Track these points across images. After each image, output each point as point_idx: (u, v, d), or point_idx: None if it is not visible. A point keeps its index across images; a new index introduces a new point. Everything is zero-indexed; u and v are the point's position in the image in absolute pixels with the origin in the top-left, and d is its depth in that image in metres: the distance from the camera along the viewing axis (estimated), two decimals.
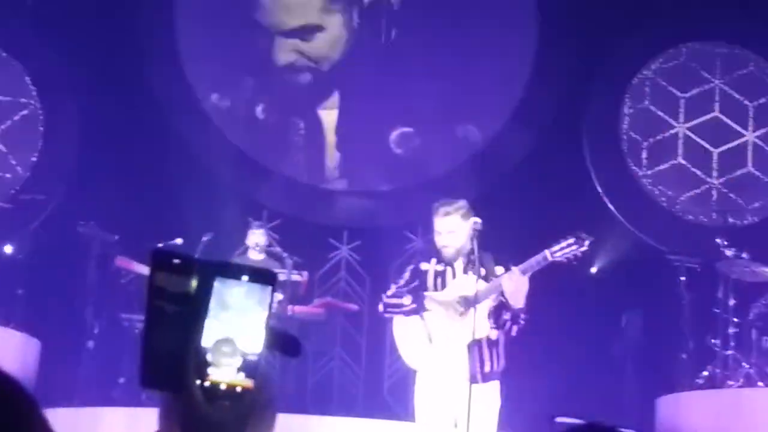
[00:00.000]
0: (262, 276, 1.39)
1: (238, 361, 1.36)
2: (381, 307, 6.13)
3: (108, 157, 9.54)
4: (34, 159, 10.11)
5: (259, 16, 10.58)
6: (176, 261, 1.38)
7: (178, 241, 8.25)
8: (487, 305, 5.83)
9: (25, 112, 10.19)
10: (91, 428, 6.57)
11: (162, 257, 1.38)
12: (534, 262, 5.77)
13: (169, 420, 1.43)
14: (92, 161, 9.65)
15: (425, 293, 5.95)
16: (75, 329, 8.67)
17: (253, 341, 1.37)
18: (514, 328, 5.91)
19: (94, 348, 8.54)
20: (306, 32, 10.56)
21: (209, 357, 1.36)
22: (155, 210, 9.22)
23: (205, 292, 1.36)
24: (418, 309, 5.93)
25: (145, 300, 1.38)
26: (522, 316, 5.86)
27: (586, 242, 5.84)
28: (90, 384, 8.48)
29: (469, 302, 5.75)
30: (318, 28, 10.58)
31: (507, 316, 5.86)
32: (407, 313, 5.96)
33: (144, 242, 8.31)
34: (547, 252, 5.79)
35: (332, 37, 10.58)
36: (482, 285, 5.80)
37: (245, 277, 1.38)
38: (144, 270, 8.29)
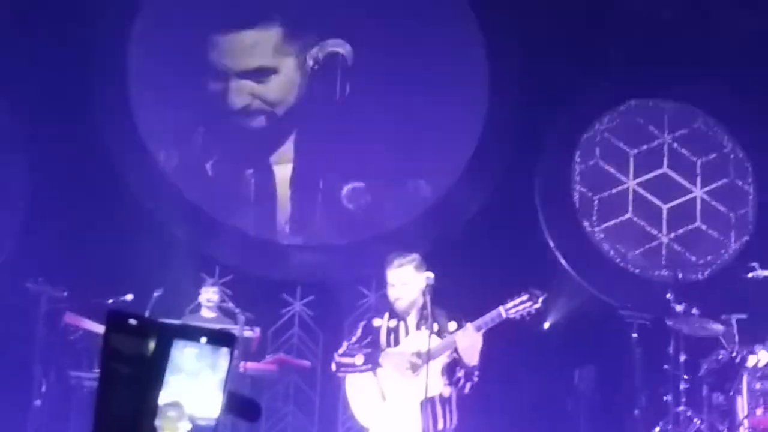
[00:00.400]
0: (220, 338, 1.37)
1: (186, 426, 1.34)
2: (333, 367, 6.09)
3: (57, 212, 9.43)
4: None
5: (214, 57, 10.57)
6: (132, 322, 1.35)
7: (129, 297, 8.15)
8: (440, 362, 5.82)
9: None
10: None
11: (118, 318, 1.36)
12: (488, 318, 5.78)
13: None
14: (41, 216, 9.54)
15: (378, 350, 5.92)
16: (22, 387, 8.50)
17: (206, 405, 1.35)
18: (468, 385, 5.90)
19: (42, 406, 8.38)
20: (261, 74, 10.56)
21: (156, 421, 1.33)
22: (105, 265, 9.12)
23: (163, 353, 1.34)
24: (372, 367, 5.89)
25: (99, 362, 1.35)
26: (476, 372, 5.85)
27: (540, 299, 5.86)
28: None
29: (422, 359, 5.73)
30: (272, 71, 10.59)
31: (461, 373, 5.85)
32: (360, 371, 5.93)
33: (94, 298, 8.21)
34: (501, 309, 5.80)
35: (286, 79, 10.60)
36: (435, 341, 5.79)
37: (203, 339, 1.36)
38: (93, 327, 8.17)
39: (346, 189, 10.61)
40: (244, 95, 10.55)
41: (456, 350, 5.76)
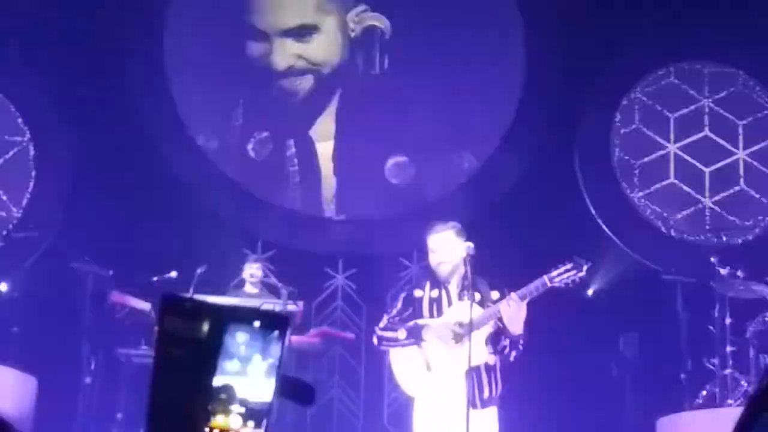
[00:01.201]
0: (273, 321, 1.38)
1: (238, 407, 1.34)
2: (375, 340, 6.10)
3: (101, 192, 9.51)
4: (26, 197, 10.08)
5: (253, 18, 10.57)
6: (187, 305, 1.36)
7: (173, 274, 8.23)
8: (485, 331, 5.83)
9: (16, 150, 10.18)
10: None
11: (172, 302, 1.37)
12: (533, 288, 5.79)
13: None
14: (85, 197, 9.62)
15: (420, 322, 5.93)
16: (71, 366, 8.63)
17: (257, 390, 1.35)
18: (513, 354, 5.91)
19: (91, 384, 8.50)
20: (302, 33, 10.54)
21: (212, 404, 1.34)
22: (149, 244, 9.19)
23: (217, 337, 1.35)
24: (414, 342, 5.91)
25: (154, 345, 1.37)
26: (521, 341, 5.87)
27: (584, 267, 5.87)
28: (88, 420, 8.44)
29: (466, 329, 5.75)
30: (314, 29, 10.56)
31: (506, 342, 5.86)
32: (402, 346, 5.95)
33: (138, 276, 8.30)
34: (545, 278, 5.82)
35: (329, 38, 10.57)
36: (478, 311, 5.80)
37: (257, 323, 1.36)
38: (139, 304, 8.27)
39: (390, 163, 10.59)
40: (288, 55, 10.52)
41: (500, 320, 5.77)
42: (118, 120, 9.84)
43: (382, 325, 6.04)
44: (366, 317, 9.90)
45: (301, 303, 8.96)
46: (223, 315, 1.37)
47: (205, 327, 1.36)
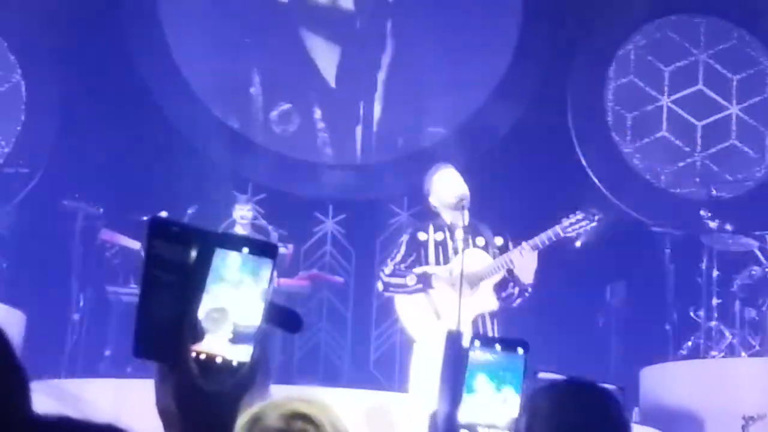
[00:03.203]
0: (262, 248, 1.37)
1: (229, 330, 1.35)
2: (380, 286, 6.09)
3: (92, 131, 9.47)
4: (17, 132, 10.04)
5: None
6: (175, 229, 1.36)
7: (163, 214, 8.22)
8: (494, 279, 5.87)
9: (7, 85, 10.12)
10: (78, 400, 6.56)
11: (160, 225, 1.35)
12: (545, 237, 5.85)
13: (165, 392, 1.42)
14: (76, 134, 9.59)
15: (429, 270, 5.92)
16: (60, 302, 8.64)
17: (248, 314, 1.35)
18: (518, 301, 5.97)
19: (80, 321, 8.52)
20: None
21: (202, 326, 1.34)
22: (139, 183, 9.18)
23: (204, 261, 1.34)
24: (423, 288, 5.91)
25: (142, 268, 1.36)
26: (529, 289, 5.92)
27: (596, 217, 5.93)
28: (76, 356, 8.47)
29: (477, 279, 5.79)
30: None
31: (514, 290, 5.89)
32: (410, 292, 5.95)
33: (129, 215, 8.29)
34: (558, 228, 5.88)
35: None
36: (489, 260, 5.84)
37: (245, 249, 1.36)
38: (129, 243, 8.27)
39: (378, 108, 10.57)
40: None
41: (510, 269, 5.82)
42: (111, 60, 9.76)
43: (388, 271, 6.02)
44: (355, 262, 9.93)
45: (290, 246, 8.99)
46: (212, 239, 1.36)
47: (194, 251, 1.35)
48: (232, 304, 1.34)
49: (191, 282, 1.34)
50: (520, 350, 1.49)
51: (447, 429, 1.53)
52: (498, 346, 1.49)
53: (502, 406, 1.49)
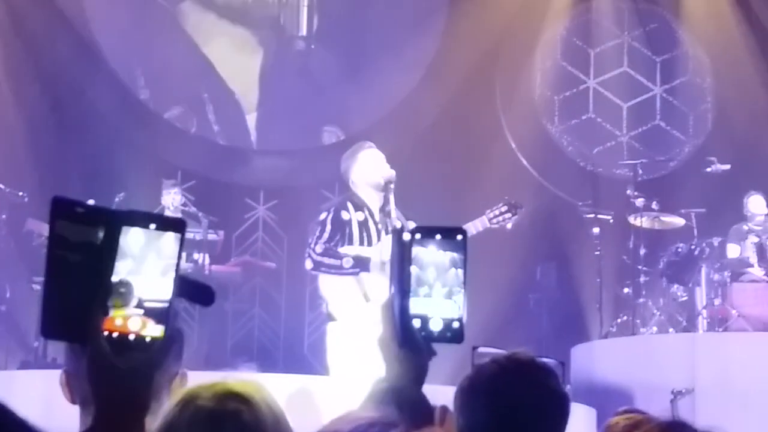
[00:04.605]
0: (169, 224, 1.37)
1: (137, 310, 1.34)
2: (309, 264, 6.04)
3: (15, 115, 9.32)
4: None
5: None
6: (79, 209, 1.34)
7: (90, 202, 8.09)
8: None
9: None
10: (6, 392, 6.48)
11: (63, 206, 1.34)
12: (472, 227, 5.94)
13: (75, 367, 1.40)
14: (2, 122, 9.42)
15: (363, 253, 5.90)
16: None
17: (154, 289, 1.34)
18: None
19: (6, 312, 8.40)
20: None
21: (108, 304, 1.33)
22: (67, 171, 9.06)
23: (112, 240, 1.34)
24: (358, 272, 5.89)
25: (47, 249, 1.35)
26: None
27: (519, 210, 6.07)
28: (4, 348, 8.35)
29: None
30: None
31: None
32: (344, 274, 5.93)
33: None
34: (485, 218, 6.01)
35: None
36: None
37: (152, 225, 1.36)
38: None
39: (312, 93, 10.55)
40: None
41: None
42: (40, 38, 9.59)
43: (319, 250, 5.98)
44: (287, 248, 9.91)
45: (221, 233, 8.95)
46: (118, 218, 1.35)
47: (100, 231, 1.34)
48: (136, 279, 1.34)
49: (99, 261, 1.33)
50: (459, 236, 1.54)
51: (402, 319, 1.55)
52: (438, 236, 1.53)
53: (447, 292, 1.54)
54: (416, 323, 1.56)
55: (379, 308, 1.63)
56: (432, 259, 1.56)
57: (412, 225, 6.04)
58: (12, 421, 1.16)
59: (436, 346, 1.58)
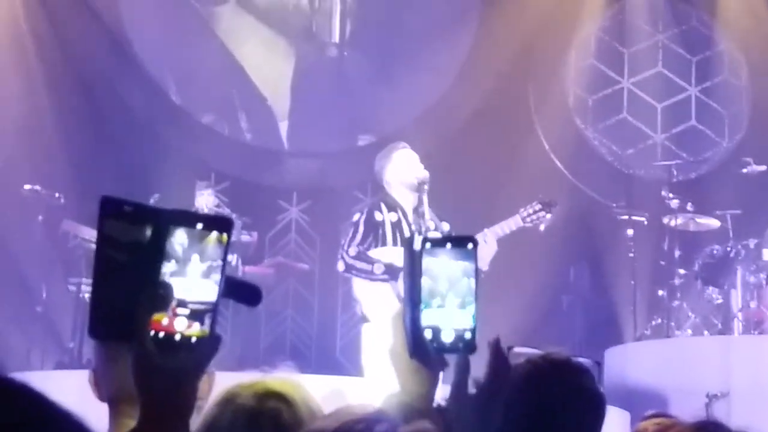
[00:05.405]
0: (216, 223, 1.37)
1: (182, 310, 1.34)
2: (341, 266, 6.05)
3: (55, 119, 9.39)
4: None
5: None
6: (127, 208, 1.35)
7: (142, 203, 8.14)
8: None
9: None
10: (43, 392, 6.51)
11: (112, 205, 1.35)
12: (506, 226, 5.94)
13: (117, 373, 1.40)
14: (39, 123, 9.50)
15: (397, 263, 5.89)
16: (23, 294, 8.57)
17: (196, 289, 1.34)
18: None
19: (43, 313, 8.46)
20: None
21: (157, 303, 1.34)
22: (102, 173, 9.12)
23: (159, 239, 1.34)
24: (389, 279, 5.89)
25: (95, 249, 1.35)
26: (482, 275, 5.95)
27: (553, 208, 6.06)
28: (40, 348, 8.41)
29: None
30: None
31: None
32: (374, 280, 5.93)
33: (90, 205, 8.22)
34: (518, 217, 6.03)
35: None
36: None
37: (200, 225, 1.36)
38: (91, 234, 8.22)
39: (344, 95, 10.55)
40: None
41: None
42: (71, 44, 9.67)
43: (352, 252, 5.99)
44: (320, 250, 9.92)
45: (255, 234, 8.97)
46: (165, 218, 1.35)
47: (147, 231, 1.34)
48: (179, 280, 1.34)
49: (146, 261, 1.33)
50: (470, 245, 1.53)
51: (413, 331, 1.54)
52: (449, 245, 1.52)
53: (459, 302, 1.53)
54: (428, 334, 1.55)
55: (390, 319, 1.62)
56: (443, 269, 1.55)
57: (446, 226, 6.05)
58: (56, 413, 1.17)
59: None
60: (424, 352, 1.55)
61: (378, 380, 5.87)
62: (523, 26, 10.23)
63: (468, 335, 1.53)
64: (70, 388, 6.11)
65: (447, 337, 1.53)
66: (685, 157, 10.11)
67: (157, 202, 7.97)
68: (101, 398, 2.03)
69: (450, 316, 1.53)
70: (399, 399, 1.65)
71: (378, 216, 6.05)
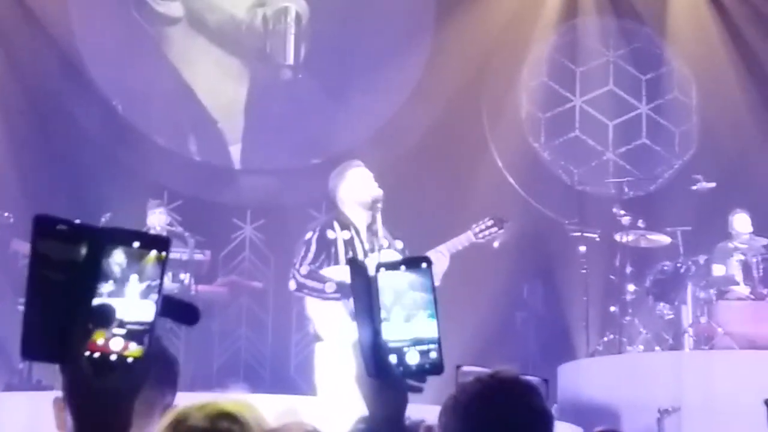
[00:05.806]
0: (152, 241, 1.35)
1: (119, 330, 1.32)
2: (293, 285, 6.02)
3: (2, 138, 9.29)
4: None
5: None
6: (62, 227, 1.33)
7: (76, 222, 8.07)
8: None
9: None
10: None
11: (46, 223, 1.33)
12: (458, 242, 5.94)
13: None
14: None
15: (346, 280, 5.88)
16: None
17: (134, 309, 1.33)
18: None
19: None
20: None
21: (90, 325, 1.32)
22: (52, 191, 9.03)
23: (95, 258, 1.32)
24: (340, 298, 5.87)
25: (29, 267, 1.33)
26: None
27: (504, 224, 6.09)
28: None
29: None
30: None
31: None
32: (326, 299, 5.91)
33: None
34: (470, 233, 6.01)
35: None
36: (394, 257, 5.83)
37: (136, 243, 1.34)
38: None
39: (298, 112, 10.55)
40: None
41: None
42: (25, 68, 9.59)
43: (304, 271, 5.95)
44: (274, 268, 9.89)
45: (208, 252, 8.92)
46: (101, 236, 1.34)
47: (83, 249, 1.32)
48: (118, 300, 1.32)
49: (81, 281, 1.31)
50: (424, 264, 1.53)
51: (375, 356, 1.53)
52: (403, 267, 1.52)
53: (419, 322, 1.52)
54: (392, 359, 1.54)
55: (350, 346, 1.61)
56: (399, 291, 1.54)
57: (399, 244, 6.06)
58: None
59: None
60: (387, 375, 1.54)
61: (331, 399, 5.85)
62: (476, 45, 10.29)
63: (433, 354, 1.53)
64: (20, 410, 6.04)
65: (412, 359, 1.52)
66: (637, 174, 10.22)
67: (109, 221, 7.91)
68: (61, 427, 1.97)
69: (411, 337, 1.52)
70: (367, 424, 1.65)
71: (330, 234, 6.03)
